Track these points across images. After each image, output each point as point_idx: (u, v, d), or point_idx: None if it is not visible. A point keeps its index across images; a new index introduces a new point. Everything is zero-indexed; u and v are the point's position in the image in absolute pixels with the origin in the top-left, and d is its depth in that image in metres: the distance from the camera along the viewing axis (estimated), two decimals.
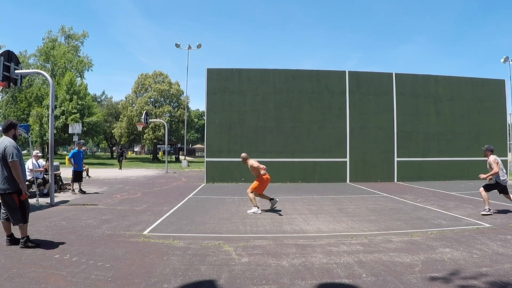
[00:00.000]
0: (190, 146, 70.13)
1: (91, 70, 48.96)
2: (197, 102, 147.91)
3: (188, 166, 27.99)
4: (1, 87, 8.32)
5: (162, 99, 40.47)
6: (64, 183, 11.63)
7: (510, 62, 25.99)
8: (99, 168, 24.49)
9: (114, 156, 51.44)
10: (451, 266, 3.98)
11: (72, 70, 40.29)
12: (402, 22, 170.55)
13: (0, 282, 3.39)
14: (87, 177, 15.61)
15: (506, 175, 7.34)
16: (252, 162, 7.49)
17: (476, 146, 15.81)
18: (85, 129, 33.16)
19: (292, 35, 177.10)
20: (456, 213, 7.44)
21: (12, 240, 4.74)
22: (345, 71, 15.38)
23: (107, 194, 10.60)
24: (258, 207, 7.43)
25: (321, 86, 15.18)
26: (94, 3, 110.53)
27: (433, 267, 3.94)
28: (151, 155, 47.84)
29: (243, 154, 7.74)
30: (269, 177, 7.59)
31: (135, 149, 76.38)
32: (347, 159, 14.96)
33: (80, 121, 30.86)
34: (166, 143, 25.16)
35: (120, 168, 24.10)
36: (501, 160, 17.24)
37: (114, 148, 25.63)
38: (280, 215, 7.30)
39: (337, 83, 15.21)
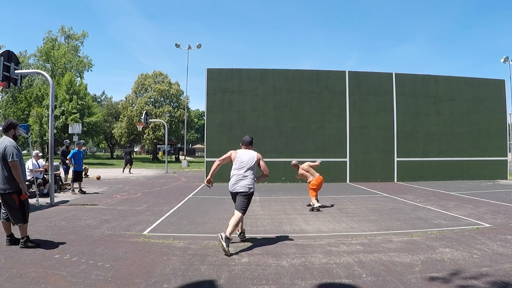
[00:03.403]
0: (190, 146, 70.14)
1: (91, 70, 48.90)
2: (197, 102, 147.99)
3: (188, 166, 27.98)
4: (1, 87, 8.32)
5: (162, 99, 40.49)
6: (64, 183, 11.64)
7: (510, 62, 25.97)
8: (99, 168, 24.48)
9: (114, 156, 51.45)
10: (451, 266, 3.98)
11: (72, 70, 40.28)
12: (401, 22, 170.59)
13: (0, 282, 3.39)
14: (87, 177, 15.63)
15: None
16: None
17: (476, 146, 15.86)
18: (85, 129, 33.15)
19: (292, 35, 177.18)
20: (456, 213, 7.44)
21: (12, 240, 4.74)
22: (345, 71, 15.38)
23: (107, 194, 10.60)
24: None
25: (321, 86, 15.17)
26: (94, 3, 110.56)
27: (433, 267, 3.94)
28: (151, 155, 47.86)
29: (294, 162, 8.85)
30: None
31: (135, 149, 76.42)
32: (347, 159, 14.96)
33: (80, 121, 30.84)
34: (166, 143, 25.17)
35: (123, 170, 20.84)
36: (501, 160, 17.05)
37: (127, 149, 22.80)
38: (280, 215, 7.30)
39: (337, 83, 15.21)
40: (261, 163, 5.20)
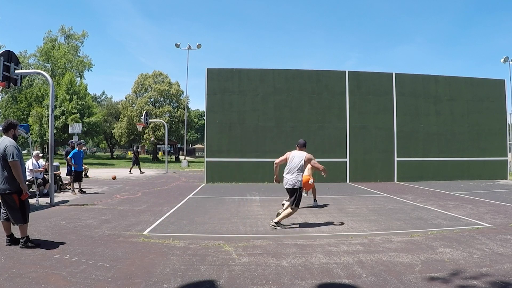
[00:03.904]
0: (190, 146, 70.13)
1: (91, 70, 48.86)
2: (197, 102, 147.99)
3: (188, 166, 27.98)
4: (1, 87, 8.32)
5: (162, 99, 40.48)
6: (64, 183, 11.63)
7: (510, 62, 25.96)
8: (99, 168, 24.49)
9: (114, 156, 51.48)
10: (451, 266, 3.98)
11: (72, 70, 40.26)
12: (401, 22, 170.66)
13: (0, 282, 3.39)
14: (87, 177, 15.63)
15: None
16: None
17: (476, 146, 15.86)
18: (85, 129, 33.12)
19: (292, 35, 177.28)
20: (456, 213, 7.44)
21: (12, 240, 4.75)
22: (345, 71, 15.38)
23: (107, 194, 10.60)
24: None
25: (321, 86, 15.17)
26: (94, 3, 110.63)
27: (433, 267, 3.94)
28: (151, 155, 47.86)
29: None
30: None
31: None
32: (347, 159, 14.96)
33: (80, 121, 30.82)
34: (166, 143, 25.16)
35: (139, 170, 20.51)
36: (501, 160, 17.01)
37: (136, 149, 22.39)
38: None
39: (337, 83, 15.21)
40: (312, 163, 5.94)
